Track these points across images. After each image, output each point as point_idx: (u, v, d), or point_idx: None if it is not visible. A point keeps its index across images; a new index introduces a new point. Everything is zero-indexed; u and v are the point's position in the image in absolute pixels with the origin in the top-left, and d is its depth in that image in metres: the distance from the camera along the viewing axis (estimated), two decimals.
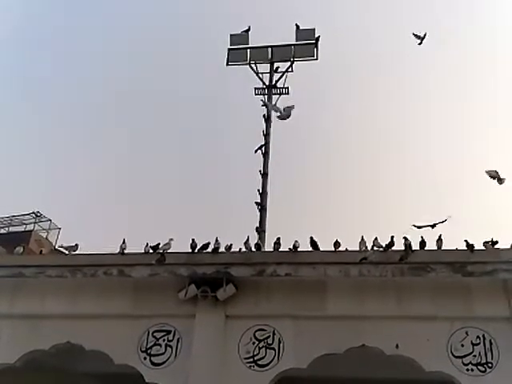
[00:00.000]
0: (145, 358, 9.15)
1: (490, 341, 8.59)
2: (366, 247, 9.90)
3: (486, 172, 11.84)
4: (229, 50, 19.85)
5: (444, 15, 38.94)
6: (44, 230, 23.23)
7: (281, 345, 8.94)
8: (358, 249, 9.97)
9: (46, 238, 22.34)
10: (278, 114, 16.53)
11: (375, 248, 9.99)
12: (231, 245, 10.64)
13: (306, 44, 19.50)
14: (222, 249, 10.45)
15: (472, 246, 9.46)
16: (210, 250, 10.45)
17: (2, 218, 23.08)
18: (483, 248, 9.52)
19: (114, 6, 44.86)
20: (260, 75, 19.55)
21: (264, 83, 19.40)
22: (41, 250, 13.93)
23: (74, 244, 11.13)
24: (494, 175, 11.69)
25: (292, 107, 16.41)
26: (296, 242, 10.17)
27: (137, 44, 42.52)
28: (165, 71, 40.64)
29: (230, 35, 19.99)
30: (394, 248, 9.86)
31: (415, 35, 13.41)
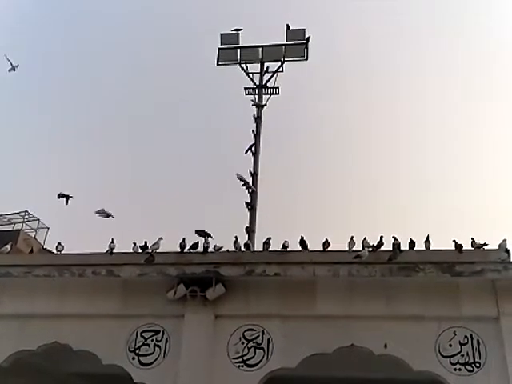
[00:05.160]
0: (133, 358, 9.11)
1: (478, 341, 8.63)
2: (353, 250, 9.94)
3: (237, 176, 13.69)
4: (219, 49, 19.85)
5: (439, 14, 39.06)
6: (32, 229, 23.02)
7: (270, 345, 8.93)
8: (347, 249, 10.03)
9: (35, 238, 22.14)
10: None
11: (365, 248, 10.06)
12: (219, 245, 10.70)
13: (296, 44, 19.57)
14: (211, 248, 10.48)
15: (460, 246, 9.54)
16: (199, 249, 10.47)
17: None
18: (471, 248, 9.60)
19: (103, 5, 44.61)
20: (250, 75, 19.59)
21: (254, 83, 19.43)
22: (31, 250, 13.81)
23: (57, 243, 11.11)
24: (244, 181, 13.74)
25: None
26: (285, 242, 10.21)
27: (126, 44, 42.35)
28: (154, 69, 40.50)
29: (221, 34, 19.96)
30: (383, 248, 9.94)
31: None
